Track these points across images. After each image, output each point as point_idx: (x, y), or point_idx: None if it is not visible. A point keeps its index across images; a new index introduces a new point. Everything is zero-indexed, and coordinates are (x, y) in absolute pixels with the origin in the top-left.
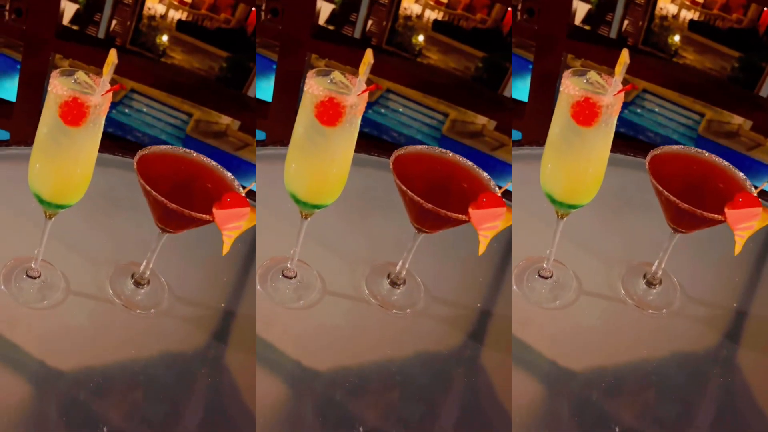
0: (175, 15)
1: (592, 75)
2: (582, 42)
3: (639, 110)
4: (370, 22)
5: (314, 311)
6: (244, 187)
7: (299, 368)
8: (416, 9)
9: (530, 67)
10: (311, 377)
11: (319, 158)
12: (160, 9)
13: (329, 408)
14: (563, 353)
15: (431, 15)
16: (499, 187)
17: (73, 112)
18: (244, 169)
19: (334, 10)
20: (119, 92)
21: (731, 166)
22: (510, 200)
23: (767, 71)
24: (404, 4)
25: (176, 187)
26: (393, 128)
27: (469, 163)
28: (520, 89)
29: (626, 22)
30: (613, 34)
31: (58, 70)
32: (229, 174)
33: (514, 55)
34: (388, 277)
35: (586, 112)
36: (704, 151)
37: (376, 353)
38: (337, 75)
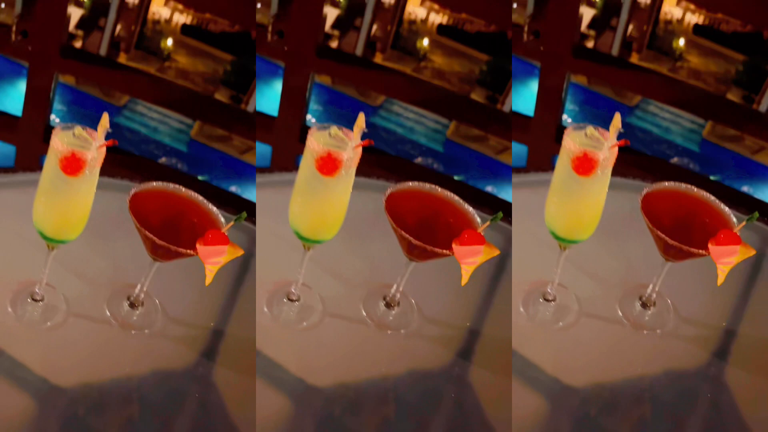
0: (180, 18)
1: (590, 130)
2: (587, 60)
3: (642, 114)
4: (375, 26)
5: (316, 332)
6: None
7: (302, 385)
8: (421, 13)
9: (537, 72)
10: (312, 394)
11: (319, 203)
12: (165, 13)
13: (328, 423)
14: (565, 371)
15: (436, 19)
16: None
17: (72, 165)
18: (248, 173)
19: (339, 15)
20: (122, 98)
21: (717, 201)
22: None
23: None
24: (409, 8)
25: (166, 221)
26: (397, 133)
27: (456, 198)
28: (525, 97)
29: (631, 26)
30: (617, 39)
31: (59, 126)
32: (214, 208)
33: (520, 61)
34: (384, 299)
35: (585, 165)
36: (693, 187)
37: (372, 371)
38: (334, 130)
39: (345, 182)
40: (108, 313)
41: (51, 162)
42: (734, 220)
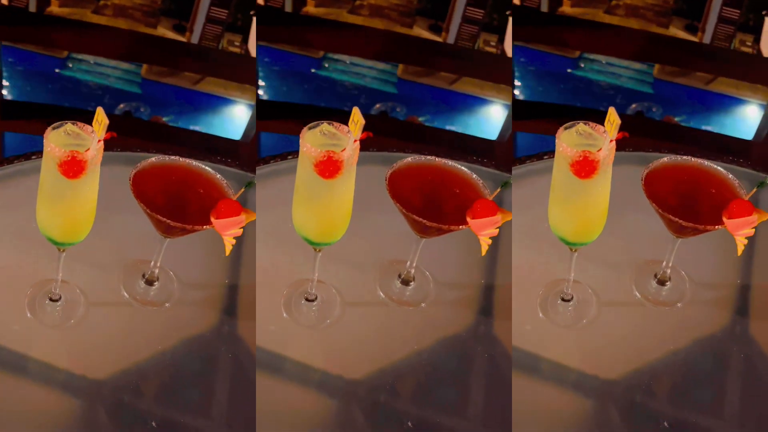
0: None
1: (581, 126)
2: (529, 26)
3: (587, 64)
4: None
5: (340, 326)
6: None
7: (342, 381)
8: None
9: None
10: (354, 387)
11: (325, 206)
12: None
13: (376, 411)
14: (601, 366)
15: None
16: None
17: (73, 168)
18: (206, 102)
19: None
20: (63, 53)
21: (720, 169)
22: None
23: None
24: None
25: (171, 197)
26: (347, 81)
27: (457, 165)
28: None
29: None
30: None
31: (49, 127)
32: (219, 176)
33: None
34: (399, 276)
35: (586, 168)
36: (690, 157)
37: (405, 350)
38: (325, 126)
39: (348, 180)
40: (126, 295)
41: (48, 167)
42: (736, 181)
